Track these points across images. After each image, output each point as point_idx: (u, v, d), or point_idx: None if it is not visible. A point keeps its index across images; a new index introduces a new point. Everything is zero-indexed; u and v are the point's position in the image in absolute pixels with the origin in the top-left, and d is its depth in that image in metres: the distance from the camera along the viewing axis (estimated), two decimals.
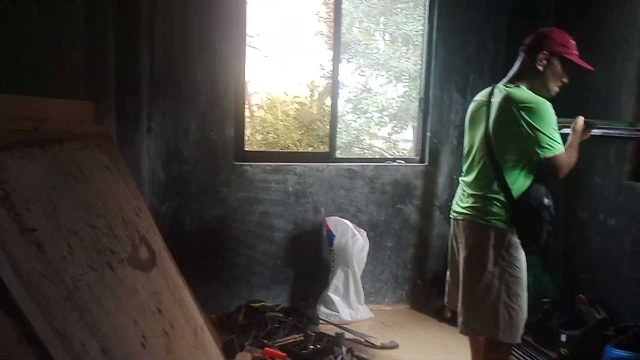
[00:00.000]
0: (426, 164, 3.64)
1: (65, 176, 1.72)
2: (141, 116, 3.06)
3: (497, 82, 2.19)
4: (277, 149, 6.13)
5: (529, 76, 2.11)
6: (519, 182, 2.07)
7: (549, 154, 1.98)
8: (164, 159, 3.20)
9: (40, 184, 1.48)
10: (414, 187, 3.60)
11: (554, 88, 2.12)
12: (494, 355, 2.20)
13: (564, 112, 3.29)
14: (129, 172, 2.60)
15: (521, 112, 1.99)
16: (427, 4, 3.59)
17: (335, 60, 3.55)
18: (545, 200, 2.05)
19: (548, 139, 1.97)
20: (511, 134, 2.03)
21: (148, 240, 2.29)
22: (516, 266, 2.08)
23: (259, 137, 7.08)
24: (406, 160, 3.75)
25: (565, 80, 2.12)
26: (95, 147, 2.25)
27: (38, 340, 1.04)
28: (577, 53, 2.09)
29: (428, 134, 3.62)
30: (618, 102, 2.88)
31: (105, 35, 2.75)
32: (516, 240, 2.09)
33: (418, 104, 3.76)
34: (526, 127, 1.98)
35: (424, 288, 3.68)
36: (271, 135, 7.11)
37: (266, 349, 2.81)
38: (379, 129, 7.74)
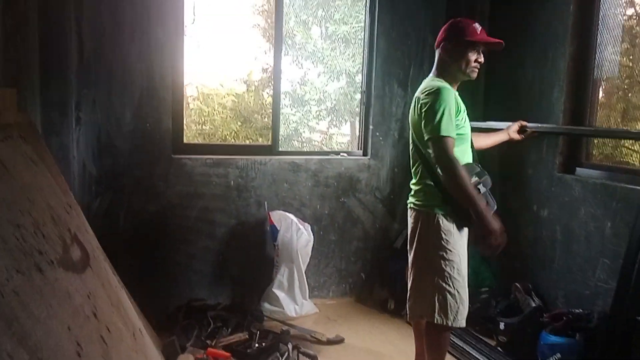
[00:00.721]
0: (369, 157, 3.65)
1: None
2: (68, 105, 2.85)
3: None
4: (218, 142, 5.96)
5: (444, 69, 2.24)
6: None
7: (431, 134, 2.06)
8: (95, 151, 2.99)
9: None
10: (357, 180, 3.61)
11: (470, 71, 2.21)
12: (430, 339, 2.28)
13: (498, 106, 3.44)
14: (56, 165, 2.40)
15: (421, 99, 2.14)
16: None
17: (277, 52, 3.48)
18: (473, 179, 2.11)
19: (436, 120, 2.04)
20: (419, 122, 2.15)
21: (80, 239, 2.11)
22: (449, 249, 2.16)
23: (194, 127, 6.86)
24: (349, 153, 3.74)
25: (479, 60, 2.21)
26: (19, 138, 2.05)
27: None
28: (479, 32, 2.19)
29: (370, 127, 3.64)
30: (550, 97, 3.02)
31: (27, 17, 2.52)
32: (448, 223, 2.17)
33: (360, 96, 3.76)
34: (420, 110, 2.12)
35: (367, 280, 3.71)
36: (208, 126, 6.91)
37: (209, 349, 2.71)
38: (317, 123, 7.75)
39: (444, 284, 2.15)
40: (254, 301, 3.30)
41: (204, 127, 6.91)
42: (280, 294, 3.31)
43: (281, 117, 7.03)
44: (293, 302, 3.36)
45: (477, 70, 2.23)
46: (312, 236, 3.38)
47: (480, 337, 2.97)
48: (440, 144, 2.03)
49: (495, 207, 2.20)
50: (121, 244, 3.07)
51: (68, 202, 2.27)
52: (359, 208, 3.64)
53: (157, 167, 3.14)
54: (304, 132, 7.66)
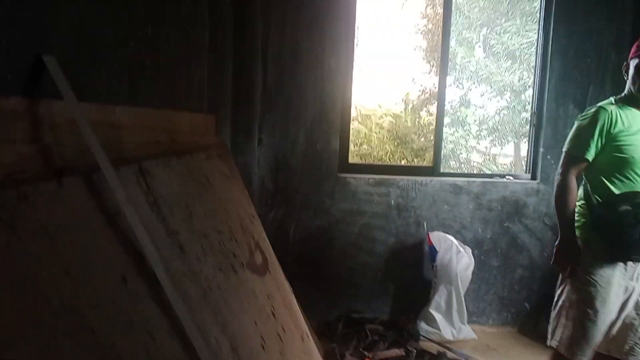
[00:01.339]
0: (538, 181, 3.45)
1: (196, 184, 1.85)
2: (253, 128, 3.23)
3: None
4: (380, 162, 6.15)
5: (625, 86, 2.15)
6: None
7: (564, 148, 2.15)
8: (273, 169, 3.34)
9: (178, 191, 1.61)
10: (523, 205, 3.43)
11: (634, 88, 2.06)
12: None
13: None
14: (242, 181, 2.75)
15: None
16: (542, 14, 3.42)
17: (442, 72, 3.50)
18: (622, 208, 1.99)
19: (569, 137, 2.15)
20: None
21: (261, 247, 2.39)
22: (585, 279, 2.08)
23: (352, 148, 7.16)
24: (515, 176, 3.57)
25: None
26: (217, 157, 2.40)
27: (185, 334, 1.12)
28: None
29: (541, 149, 3.43)
30: None
31: (224, 56, 2.95)
32: (590, 251, 2.09)
33: (529, 117, 3.58)
34: None
35: (531, 311, 3.47)
36: (364, 147, 7.14)
37: (367, 359, 2.81)
38: (477, 143, 7.49)
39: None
40: (410, 319, 3.31)
41: (361, 147, 7.17)
42: (437, 315, 3.28)
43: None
44: (450, 324, 3.30)
45: None
46: (472, 260, 3.30)
47: None
48: (562, 158, 2.14)
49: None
50: (290, 253, 3.36)
51: (252, 213, 2.58)
52: (525, 234, 3.45)
53: (324, 184, 3.37)
54: (461, 152, 7.47)
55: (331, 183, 3.38)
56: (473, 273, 3.34)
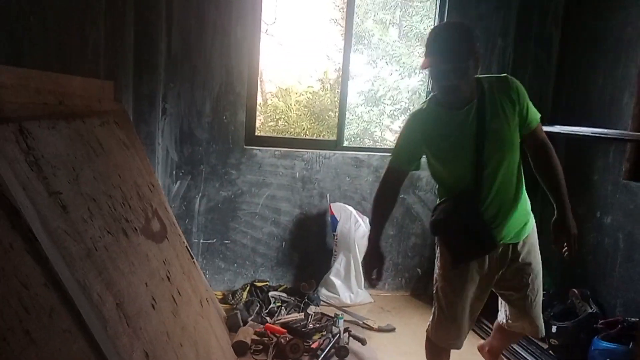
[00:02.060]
0: None
1: (87, 148, 1.85)
2: (156, 97, 3.20)
3: None
4: (286, 136, 6.25)
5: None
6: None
7: None
8: (177, 139, 3.34)
9: (64, 153, 1.62)
10: (418, 178, 3.71)
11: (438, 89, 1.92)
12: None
13: (567, 111, 3.39)
14: (144, 150, 2.75)
15: None
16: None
17: (346, 50, 3.65)
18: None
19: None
20: None
21: (160, 215, 2.43)
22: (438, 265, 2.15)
23: (271, 123, 7.22)
24: None
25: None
26: (114, 124, 2.39)
27: (62, 287, 1.18)
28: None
29: None
30: (620, 102, 2.96)
31: (125, 18, 2.89)
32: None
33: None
34: None
35: (423, 276, 3.80)
36: (282, 122, 7.23)
37: (267, 324, 2.96)
38: (391, 122, 7.84)
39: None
40: (312, 286, 3.50)
41: (279, 122, 7.25)
42: (337, 281, 3.50)
43: (353, 116, 7.19)
44: (349, 289, 3.53)
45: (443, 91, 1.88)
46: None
47: (532, 339, 2.98)
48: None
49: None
50: (196, 225, 3.41)
51: (152, 182, 2.60)
52: (418, 205, 3.74)
53: (230, 156, 3.43)
54: (375, 131, 7.78)
55: (237, 155, 3.44)
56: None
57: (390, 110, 7.66)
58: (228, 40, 3.31)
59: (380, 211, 2.11)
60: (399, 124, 7.75)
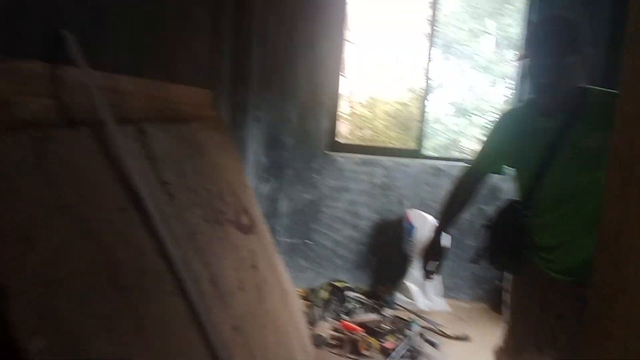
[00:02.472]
0: None
1: (189, 148, 2.14)
2: (249, 105, 3.51)
3: None
4: (367, 143, 6.41)
5: None
6: None
7: None
8: (266, 144, 3.63)
9: (172, 151, 1.90)
10: (499, 190, 3.70)
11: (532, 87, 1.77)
12: None
13: None
14: (237, 153, 3.04)
15: None
16: (527, 7, 3.66)
17: (431, 58, 3.75)
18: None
19: None
20: None
21: (249, 211, 2.69)
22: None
23: (357, 132, 7.44)
24: None
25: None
26: (212, 129, 2.69)
27: (169, 259, 1.42)
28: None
29: None
30: None
31: (225, 36, 3.22)
32: None
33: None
34: None
35: (501, 289, 3.75)
36: (368, 131, 7.41)
37: (344, 321, 3.12)
38: (481, 134, 7.72)
39: None
40: (388, 289, 3.61)
41: (364, 131, 7.44)
42: (413, 287, 3.58)
43: (442, 126, 7.18)
44: (425, 296, 3.60)
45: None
46: (447, 237, 3.57)
47: None
48: None
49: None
50: (280, 224, 3.67)
51: (243, 182, 2.88)
52: None
53: (314, 161, 3.66)
54: (462, 141, 7.70)
55: (320, 160, 3.66)
56: (450, 251, 3.61)
57: (480, 122, 7.56)
58: (314, 54, 3.55)
59: (451, 206, 2.03)
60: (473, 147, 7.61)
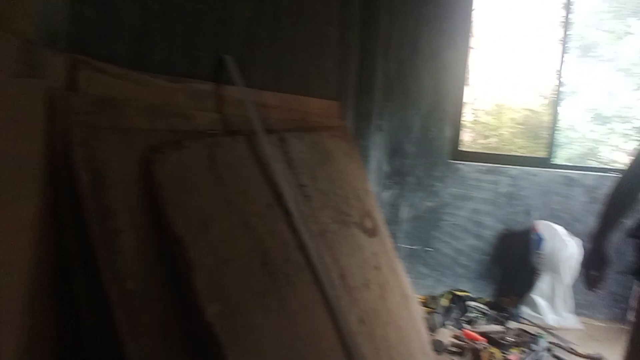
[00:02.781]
0: None
1: (320, 155, 2.36)
2: (373, 115, 3.68)
3: None
4: (492, 151, 6.24)
5: None
6: None
7: None
8: (388, 152, 3.77)
9: (306, 157, 2.13)
10: None
11: None
12: None
13: None
14: (360, 160, 3.23)
15: None
16: None
17: (564, 62, 3.62)
18: None
19: None
20: None
21: (372, 215, 2.85)
22: None
23: (481, 140, 7.27)
24: None
25: None
26: (339, 138, 2.90)
27: (307, 251, 1.62)
28: None
29: None
30: None
31: (350, 48, 3.44)
32: None
33: None
34: None
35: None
36: (493, 140, 7.20)
37: (465, 330, 3.12)
38: (625, 142, 7.11)
39: None
40: (513, 301, 3.53)
41: (490, 139, 7.25)
42: (541, 301, 3.45)
43: (577, 134, 6.78)
44: (553, 312, 3.45)
45: None
46: (581, 251, 3.40)
47: None
48: None
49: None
50: (401, 230, 3.77)
51: (366, 188, 3.05)
52: None
53: (435, 169, 3.72)
54: (601, 151, 7.15)
55: (442, 168, 3.71)
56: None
57: (622, 129, 6.96)
58: (438, 63, 3.63)
59: (614, 208, 1.91)
60: (634, 145, 6.95)
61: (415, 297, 3.30)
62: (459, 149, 3.78)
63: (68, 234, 0.93)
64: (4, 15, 0.79)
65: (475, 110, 7.47)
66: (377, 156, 3.77)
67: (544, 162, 3.69)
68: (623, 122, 6.87)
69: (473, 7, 3.64)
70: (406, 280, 3.09)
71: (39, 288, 0.88)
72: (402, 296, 2.77)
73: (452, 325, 3.24)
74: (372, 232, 2.67)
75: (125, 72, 1.10)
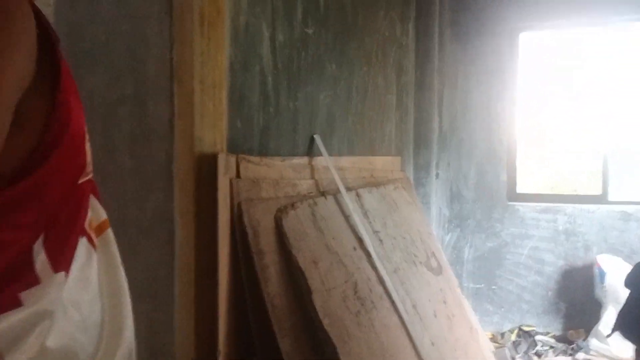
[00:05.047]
0: None
1: (388, 205, 2.84)
2: (431, 165, 4.15)
3: None
4: (547, 192, 6.44)
5: None
6: None
7: None
8: (448, 198, 4.19)
9: (377, 208, 2.62)
10: None
11: None
12: None
13: None
14: (422, 207, 3.68)
15: None
16: None
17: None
18: None
19: None
20: None
21: (436, 256, 3.27)
22: None
23: (538, 182, 7.47)
24: None
25: None
26: (402, 188, 3.38)
27: (384, 284, 2.09)
28: None
29: None
30: None
31: (408, 109, 3.97)
32: None
33: None
34: None
35: None
36: (549, 180, 7.41)
37: None
38: None
39: None
40: (580, 334, 3.76)
41: (545, 180, 7.45)
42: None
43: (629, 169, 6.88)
44: (624, 343, 3.64)
45: None
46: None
47: None
48: None
49: None
50: (465, 271, 4.13)
51: (429, 232, 3.48)
52: None
53: (494, 211, 4.09)
54: None
55: (500, 210, 4.08)
56: None
57: None
58: (488, 115, 4.08)
59: None
60: None
61: (482, 331, 3.62)
62: (516, 191, 4.15)
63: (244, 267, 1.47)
64: (208, 140, 1.38)
65: (530, 153, 7.72)
66: (437, 202, 4.20)
67: (600, 199, 3.98)
68: None
69: (519, 58, 4.10)
70: (472, 315, 3.44)
71: (233, 298, 1.43)
72: (469, 329, 3.12)
73: (521, 358, 3.52)
74: (437, 271, 3.08)
75: (259, 159, 1.66)
